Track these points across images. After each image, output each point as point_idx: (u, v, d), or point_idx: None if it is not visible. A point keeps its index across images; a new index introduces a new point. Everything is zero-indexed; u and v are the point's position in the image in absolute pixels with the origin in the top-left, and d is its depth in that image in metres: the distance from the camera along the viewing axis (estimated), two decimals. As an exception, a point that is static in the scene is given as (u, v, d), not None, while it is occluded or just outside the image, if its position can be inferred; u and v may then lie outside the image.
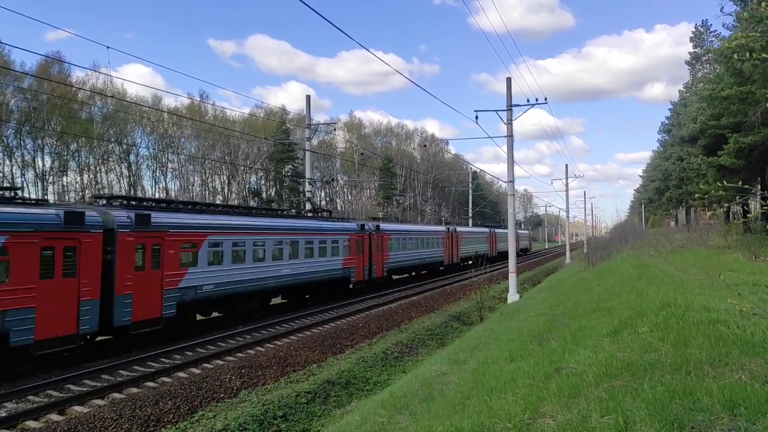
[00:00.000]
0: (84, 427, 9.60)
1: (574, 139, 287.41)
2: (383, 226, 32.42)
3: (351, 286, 27.93)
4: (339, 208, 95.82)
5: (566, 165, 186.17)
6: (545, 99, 26.27)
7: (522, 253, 65.05)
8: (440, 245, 41.55)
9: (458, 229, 47.77)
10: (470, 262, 48.77)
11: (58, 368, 13.57)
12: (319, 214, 28.97)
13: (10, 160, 57.75)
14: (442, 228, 44.06)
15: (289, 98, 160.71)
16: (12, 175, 57.33)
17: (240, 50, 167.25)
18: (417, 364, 14.93)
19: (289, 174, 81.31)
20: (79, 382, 12.50)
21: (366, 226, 29.72)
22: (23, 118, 56.45)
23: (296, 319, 21.26)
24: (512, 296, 24.35)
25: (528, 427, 4.71)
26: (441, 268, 42.74)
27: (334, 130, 53.66)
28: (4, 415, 10.31)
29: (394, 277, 36.27)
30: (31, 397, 11.43)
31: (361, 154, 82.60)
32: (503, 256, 52.39)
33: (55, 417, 10.37)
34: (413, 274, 39.71)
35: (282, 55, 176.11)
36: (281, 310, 23.36)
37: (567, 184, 61.94)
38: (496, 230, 58.96)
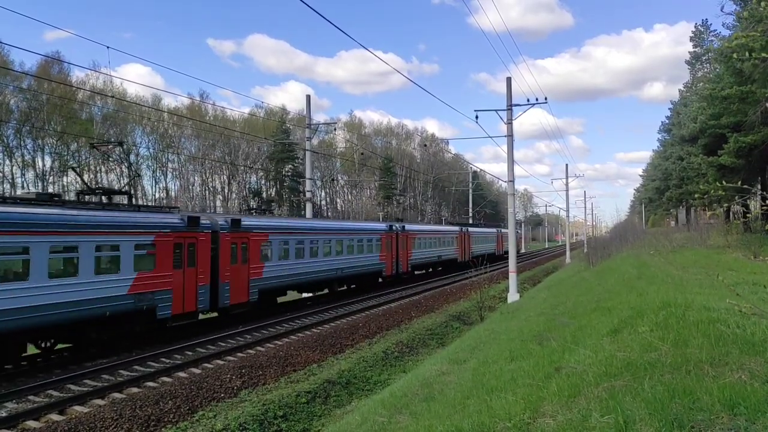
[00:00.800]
0: (84, 427, 9.60)
1: (574, 139, 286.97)
2: (248, 221, 20.99)
3: (168, 322, 16.80)
4: (339, 208, 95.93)
5: (566, 165, 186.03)
6: (545, 99, 26.22)
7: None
8: (377, 249, 30.85)
9: (409, 227, 36.48)
10: (430, 270, 41.09)
11: (58, 368, 13.60)
12: (106, 199, 17.93)
13: (10, 160, 57.82)
14: (382, 225, 33.61)
15: (288, 98, 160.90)
16: (12, 175, 57.40)
17: (239, 50, 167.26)
18: (417, 363, 14.93)
19: (289, 174, 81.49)
20: (80, 382, 12.51)
21: (202, 221, 18.00)
22: (23, 118, 56.52)
23: (296, 318, 21.29)
24: (512, 296, 24.40)
25: (528, 427, 4.71)
26: (379, 280, 32.33)
27: (334, 130, 53.76)
28: (4, 415, 10.32)
29: (282, 298, 25.69)
30: (31, 397, 11.44)
31: (361, 154, 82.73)
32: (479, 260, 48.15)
33: (55, 417, 10.38)
34: (325, 291, 27.72)
35: (281, 54, 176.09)
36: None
37: (567, 184, 62.03)
38: (470, 229, 50.36)
